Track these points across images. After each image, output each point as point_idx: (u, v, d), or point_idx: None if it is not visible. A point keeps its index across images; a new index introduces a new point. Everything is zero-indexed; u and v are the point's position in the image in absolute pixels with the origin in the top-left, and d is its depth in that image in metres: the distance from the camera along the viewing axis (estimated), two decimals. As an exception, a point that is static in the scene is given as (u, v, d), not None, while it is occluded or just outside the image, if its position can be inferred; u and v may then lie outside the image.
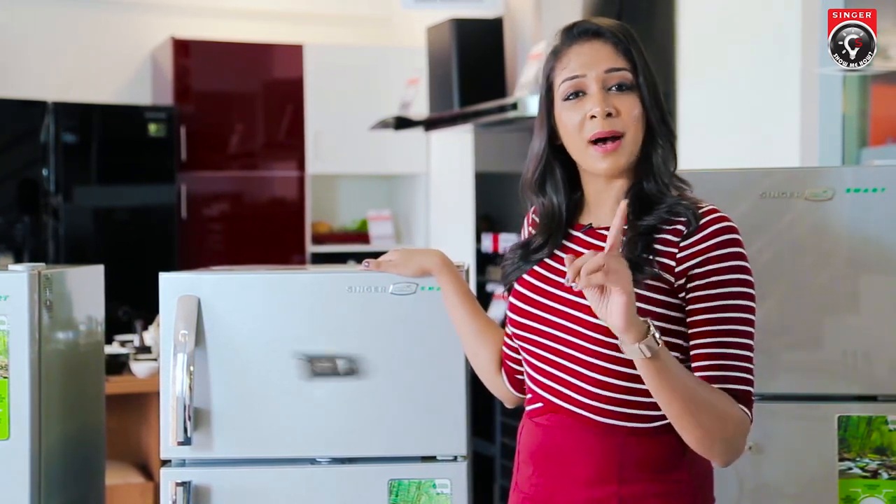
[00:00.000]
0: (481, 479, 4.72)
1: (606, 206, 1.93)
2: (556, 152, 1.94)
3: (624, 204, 1.70)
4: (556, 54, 1.92)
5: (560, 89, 1.89)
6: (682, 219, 1.83)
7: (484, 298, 5.39)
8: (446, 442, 2.37)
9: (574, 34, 1.90)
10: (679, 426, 1.76)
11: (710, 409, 1.74)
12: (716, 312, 1.80)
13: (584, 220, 1.96)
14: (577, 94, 1.88)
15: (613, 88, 1.86)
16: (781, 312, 2.46)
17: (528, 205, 2.03)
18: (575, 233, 1.95)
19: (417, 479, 2.35)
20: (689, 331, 1.83)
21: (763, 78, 3.87)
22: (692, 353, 1.83)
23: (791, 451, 2.48)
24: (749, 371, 1.80)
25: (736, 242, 1.82)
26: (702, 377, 1.79)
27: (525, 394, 2.05)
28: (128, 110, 6.02)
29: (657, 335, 1.68)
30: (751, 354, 1.81)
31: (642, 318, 1.68)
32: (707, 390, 1.76)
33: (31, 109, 5.68)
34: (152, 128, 5.91)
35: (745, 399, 1.79)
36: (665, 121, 1.90)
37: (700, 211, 1.83)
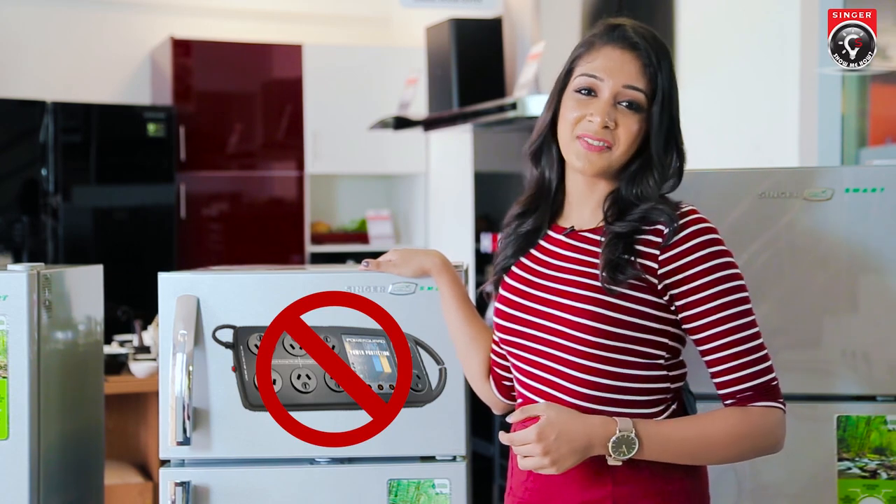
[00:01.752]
0: (480, 479, 4.72)
1: (587, 209, 1.94)
2: (555, 133, 1.95)
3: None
4: (589, 45, 1.91)
5: (576, 80, 1.90)
6: (662, 219, 1.84)
7: (482, 299, 5.39)
8: (445, 442, 2.37)
9: (613, 36, 1.89)
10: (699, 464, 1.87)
11: (719, 445, 1.82)
12: (711, 315, 1.82)
13: (566, 221, 1.96)
14: (590, 91, 1.88)
15: (623, 103, 1.86)
16: (780, 312, 2.46)
17: (527, 177, 2.03)
18: (557, 235, 1.96)
19: (417, 479, 2.35)
20: (693, 338, 1.85)
21: (762, 78, 3.87)
22: (705, 360, 1.85)
23: (790, 450, 2.47)
24: (764, 360, 1.83)
25: (715, 241, 1.83)
26: (721, 383, 1.84)
27: (512, 400, 2.06)
28: (127, 110, 6.02)
29: (621, 451, 1.77)
30: (759, 343, 1.83)
31: (605, 431, 1.78)
32: (709, 429, 1.82)
33: (31, 109, 5.68)
34: (151, 128, 5.91)
35: (768, 392, 1.83)
36: (675, 149, 1.90)
37: (678, 212, 1.84)
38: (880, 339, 2.46)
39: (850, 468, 2.43)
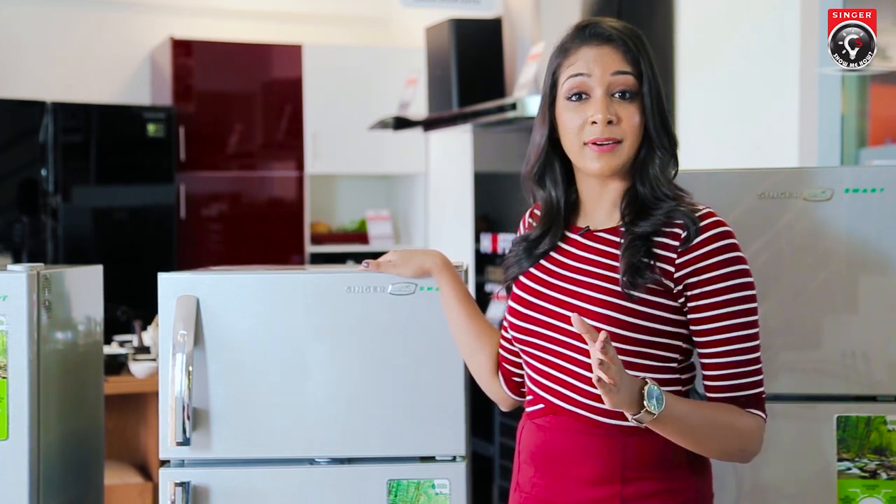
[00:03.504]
0: (480, 479, 4.72)
1: (602, 210, 1.94)
2: (556, 147, 1.95)
3: (601, 337, 1.66)
4: (564, 51, 1.92)
5: (564, 86, 1.90)
6: (680, 222, 1.84)
7: (482, 299, 5.39)
8: (445, 442, 2.36)
9: (585, 35, 1.90)
10: (694, 451, 1.85)
11: (721, 434, 1.81)
12: (720, 321, 1.82)
13: (581, 221, 1.97)
14: (581, 95, 1.88)
15: (616, 95, 1.87)
16: (780, 313, 2.46)
17: (529, 201, 2.04)
18: (572, 235, 1.96)
19: (416, 479, 2.35)
20: (696, 339, 1.86)
21: (762, 78, 3.87)
22: (702, 361, 1.86)
23: (790, 451, 2.48)
24: (759, 373, 1.85)
25: (733, 247, 1.83)
26: (713, 386, 1.85)
27: (522, 397, 2.05)
28: (127, 110, 6.02)
29: (652, 404, 1.70)
30: (758, 355, 1.85)
31: (639, 385, 1.70)
32: (716, 416, 1.81)
33: (30, 109, 5.68)
34: (151, 128, 5.91)
35: (757, 402, 1.85)
36: (666, 130, 1.90)
37: (697, 215, 1.84)
38: (880, 339, 2.46)
39: (849, 468, 2.43)
